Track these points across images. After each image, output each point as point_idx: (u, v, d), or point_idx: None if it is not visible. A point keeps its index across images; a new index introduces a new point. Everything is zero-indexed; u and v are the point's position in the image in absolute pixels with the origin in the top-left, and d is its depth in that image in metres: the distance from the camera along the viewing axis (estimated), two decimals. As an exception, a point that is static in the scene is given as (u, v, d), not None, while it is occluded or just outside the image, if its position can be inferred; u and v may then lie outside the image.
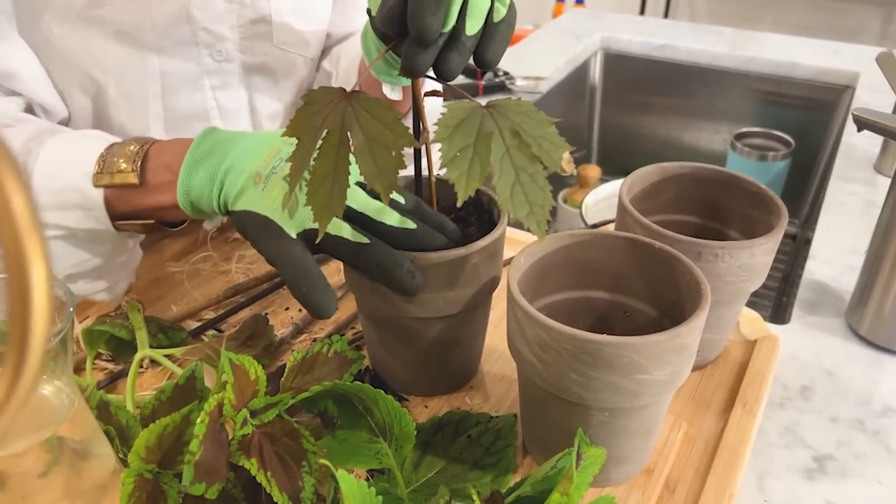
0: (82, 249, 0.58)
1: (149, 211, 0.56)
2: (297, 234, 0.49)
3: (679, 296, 0.50)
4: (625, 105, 1.56)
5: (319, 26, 0.77)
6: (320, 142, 0.43)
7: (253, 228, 0.50)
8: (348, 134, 0.43)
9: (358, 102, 0.44)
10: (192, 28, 0.67)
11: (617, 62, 1.54)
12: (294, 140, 0.45)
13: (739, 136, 1.37)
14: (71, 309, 0.37)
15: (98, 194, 0.55)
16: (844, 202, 0.93)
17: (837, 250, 0.83)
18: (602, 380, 0.44)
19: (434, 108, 0.58)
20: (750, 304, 0.65)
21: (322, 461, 0.41)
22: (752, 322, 0.66)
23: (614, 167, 1.55)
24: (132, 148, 0.55)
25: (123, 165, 0.54)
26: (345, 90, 0.45)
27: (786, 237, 1.38)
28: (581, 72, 1.51)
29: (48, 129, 0.60)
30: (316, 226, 0.45)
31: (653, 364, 0.43)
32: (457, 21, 0.46)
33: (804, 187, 1.39)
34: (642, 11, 3.03)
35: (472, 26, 0.46)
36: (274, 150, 0.51)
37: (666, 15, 3.03)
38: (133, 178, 0.54)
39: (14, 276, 0.14)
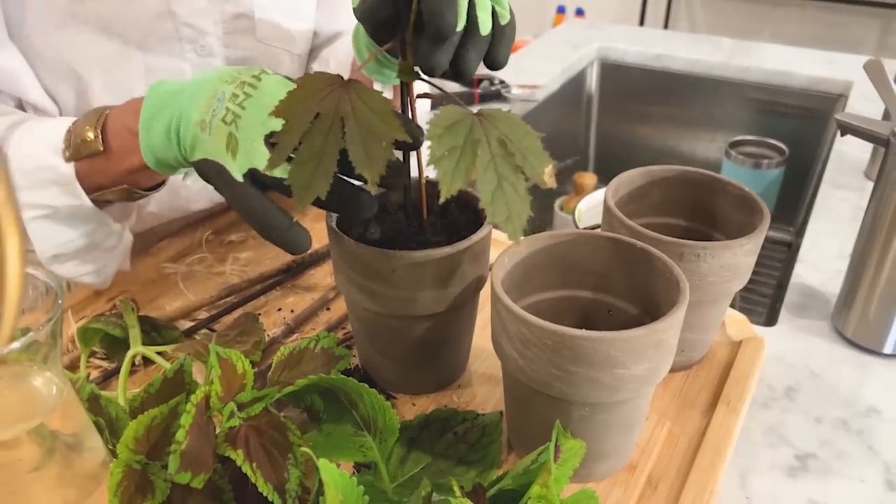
0: (66, 227, 0.59)
1: (122, 176, 0.57)
2: (244, 176, 0.48)
3: (659, 294, 0.51)
4: (621, 114, 1.57)
5: (304, 23, 0.78)
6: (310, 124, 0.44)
7: (212, 176, 0.50)
8: (342, 119, 0.44)
9: (355, 91, 0.45)
10: (175, 23, 0.68)
11: (613, 71, 1.55)
12: (231, 77, 0.47)
13: (734, 144, 1.38)
14: (60, 301, 0.38)
15: (69, 168, 0.56)
16: (834, 208, 0.94)
17: (826, 255, 0.84)
18: (581, 374, 0.45)
19: (422, 112, 0.59)
20: (744, 310, 0.66)
21: (305, 450, 0.42)
22: (737, 324, 0.67)
23: (610, 175, 1.54)
24: (93, 117, 0.56)
25: (89, 136, 0.55)
26: (342, 77, 0.46)
27: (780, 244, 1.38)
28: (578, 81, 1.52)
29: (25, 118, 0.61)
30: (259, 164, 0.46)
31: (630, 359, 0.44)
32: (468, 22, 0.47)
33: (799, 195, 1.40)
34: (642, 23, 3.05)
35: (485, 26, 0.47)
36: (212, 93, 0.50)
37: (665, 26, 3.05)
38: (98, 146, 0.55)
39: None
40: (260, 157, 0.48)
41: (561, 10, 3.17)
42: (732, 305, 0.65)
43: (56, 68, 0.66)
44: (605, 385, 0.45)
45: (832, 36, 2.76)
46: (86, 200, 0.57)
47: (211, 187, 0.52)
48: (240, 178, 0.48)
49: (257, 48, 0.75)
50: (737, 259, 0.56)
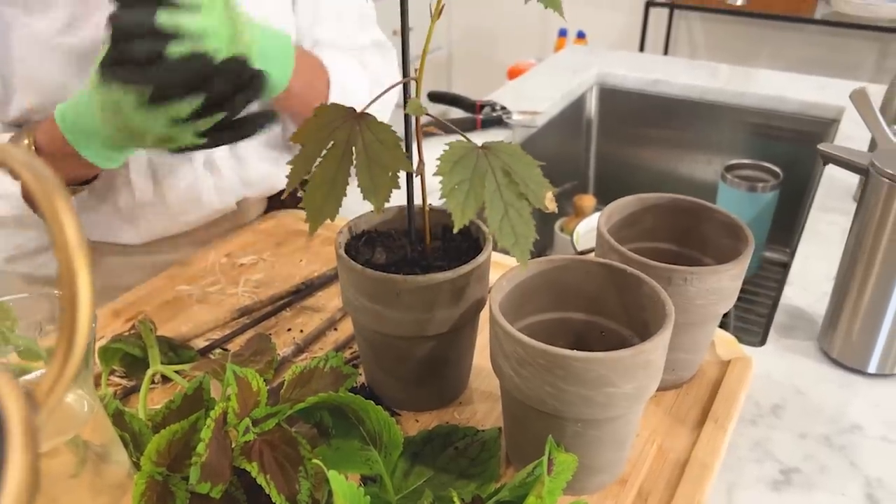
0: (17, 233, 0.68)
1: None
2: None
3: (648, 316, 0.54)
4: (620, 137, 1.61)
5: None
6: (325, 151, 0.49)
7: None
8: (352, 149, 0.49)
9: (365, 124, 0.50)
10: None
11: (613, 96, 1.60)
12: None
13: (730, 168, 1.41)
14: (94, 325, 0.41)
15: (11, 182, 0.63)
16: (823, 231, 0.98)
17: (815, 277, 0.87)
18: (574, 392, 0.48)
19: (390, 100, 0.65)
20: (740, 329, 0.69)
21: (315, 462, 0.45)
22: (726, 344, 0.70)
23: (610, 197, 1.58)
24: (27, 131, 0.64)
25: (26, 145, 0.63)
26: (355, 111, 0.50)
27: (776, 265, 1.41)
28: (577, 105, 1.56)
29: None
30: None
31: (620, 378, 0.47)
32: None
33: (793, 217, 1.43)
34: (642, 45, 3.10)
35: None
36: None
37: (665, 51, 3.09)
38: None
39: (66, 282, 0.18)
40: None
41: (563, 33, 3.23)
42: (726, 326, 0.68)
43: (42, 96, 0.71)
44: (596, 402, 0.48)
45: (830, 59, 2.81)
46: (29, 211, 0.64)
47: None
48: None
49: None
50: (722, 283, 0.59)
